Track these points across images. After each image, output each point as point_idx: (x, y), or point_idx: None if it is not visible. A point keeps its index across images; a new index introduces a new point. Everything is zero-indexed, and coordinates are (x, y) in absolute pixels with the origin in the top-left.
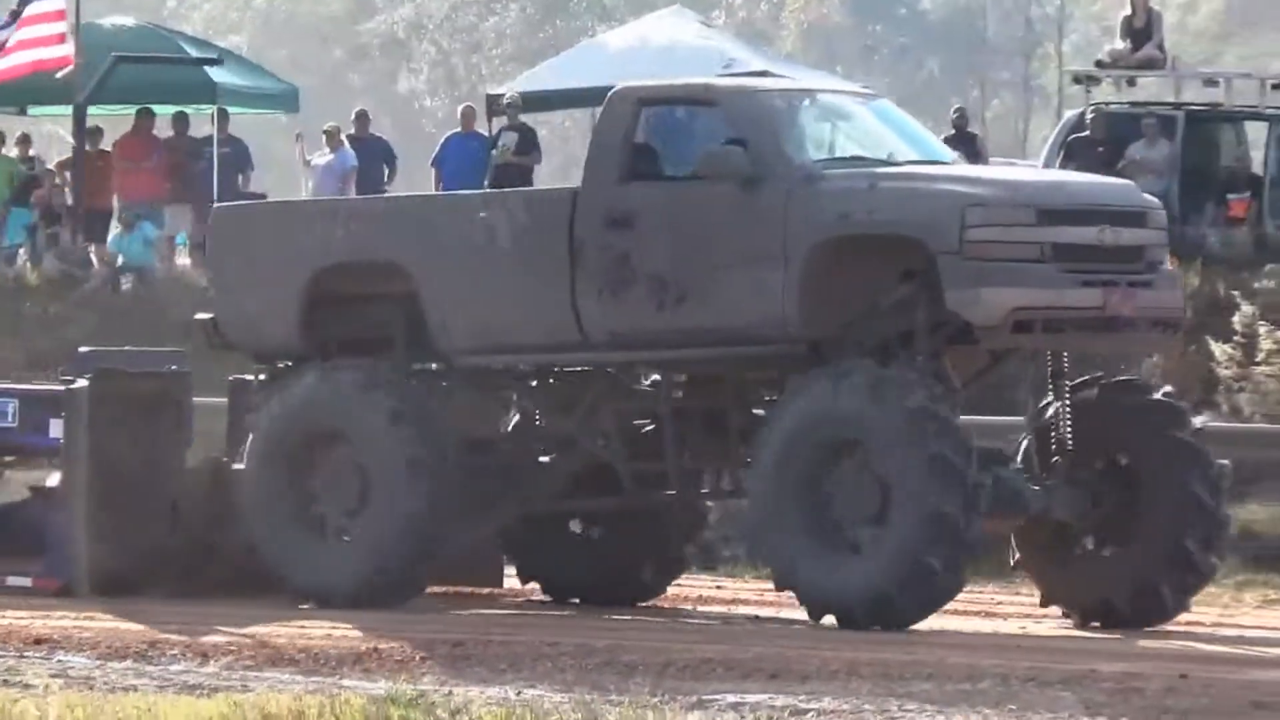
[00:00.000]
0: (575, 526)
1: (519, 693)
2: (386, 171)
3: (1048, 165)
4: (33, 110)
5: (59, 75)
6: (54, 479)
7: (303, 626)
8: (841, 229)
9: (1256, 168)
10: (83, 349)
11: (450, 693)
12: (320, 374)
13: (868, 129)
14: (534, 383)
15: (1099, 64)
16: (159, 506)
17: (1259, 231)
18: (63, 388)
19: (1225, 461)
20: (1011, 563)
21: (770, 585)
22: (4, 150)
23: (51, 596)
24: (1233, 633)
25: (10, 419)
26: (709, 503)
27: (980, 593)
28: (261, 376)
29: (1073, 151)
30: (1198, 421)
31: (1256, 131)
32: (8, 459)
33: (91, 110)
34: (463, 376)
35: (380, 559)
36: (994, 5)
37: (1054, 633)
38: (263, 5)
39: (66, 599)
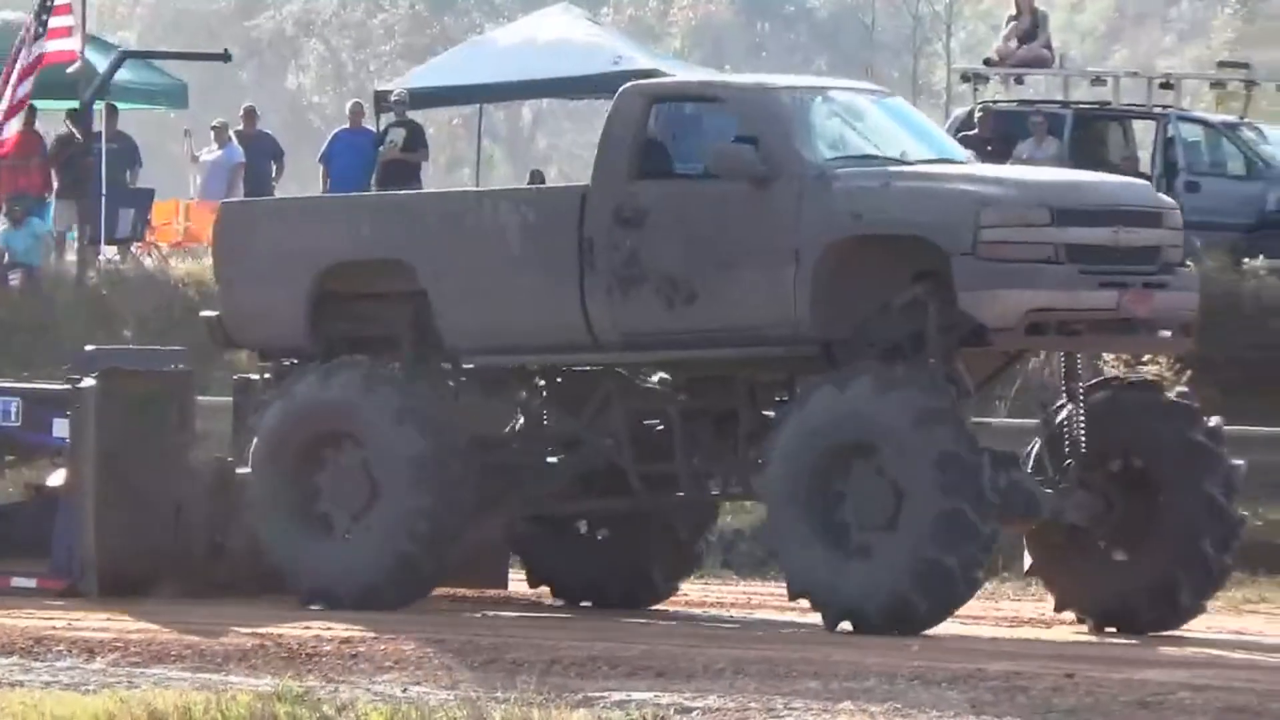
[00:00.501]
0: (582, 527)
1: (405, 690)
2: (275, 168)
3: None
4: None
5: (68, 71)
6: (55, 478)
7: (189, 624)
8: (854, 229)
9: (1144, 166)
10: (88, 347)
11: (336, 690)
12: (324, 372)
13: (880, 127)
14: (542, 382)
15: (987, 62)
16: (164, 507)
17: None
18: (67, 386)
19: (1240, 461)
20: (1025, 569)
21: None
22: None
23: (57, 597)
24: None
25: (13, 418)
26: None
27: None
28: (266, 375)
29: None
30: (1212, 422)
31: (1144, 130)
32: (8, 458)
33: None
34: (470, 376)
35: (387, 558)
36: (882, 3)
37: (941, 632)
38: (153, 1)
39: (73, 600)
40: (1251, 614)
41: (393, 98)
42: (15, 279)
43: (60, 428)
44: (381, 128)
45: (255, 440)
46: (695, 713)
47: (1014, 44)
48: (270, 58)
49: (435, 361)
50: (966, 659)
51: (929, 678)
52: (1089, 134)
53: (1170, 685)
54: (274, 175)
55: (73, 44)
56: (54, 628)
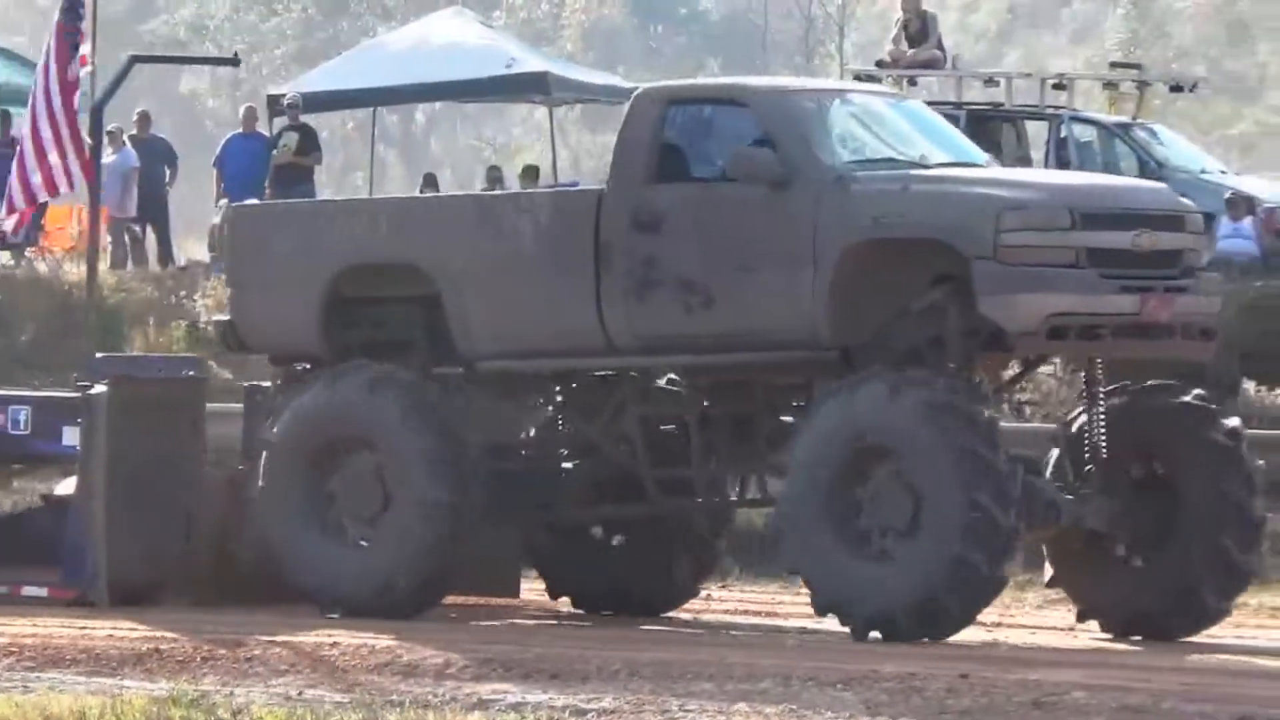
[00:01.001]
0: (596, 534)
1: (300, 693)
2: (169, 172)
3: None
4: None
5: (81, 74)
6: (64, 486)
7: (84, 627)
8: (873, 232)
9: (1037, 166)
10: (98, 354)
11: (232, 693)
12: (330, 378)
13: (899, 130)
14: (557, 387)
15: (880, 64)
16: (175, 514)
17: None
18: (77, 394)
19: (1261, 461)
20: (1046, 581)
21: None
22: None
23: (68, 606)
24: (1014, 633)
25: (23, 426)
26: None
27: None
28: (278, 381)
29: None
30: (1231, 422)
31: (1037, 131)
32: (17, 467)
33: None
34: (484, 381)
35: (405, 559)
36: (775, 5)
37: (835, 631)
38: (45, 4)
39: (83, 609)
40: None
41: (286, 102)
42: None
43: (70, 436)
44: (275, 132)
45: (266, 451)
46: (590, 715)
47: (905, 46)
48: None
49: (449, 366)
50: (862, 660)
51: (824, 679)
52: (982, 135)
53: (1064, 685)
54: (168, 180)
55: (84, 48)
56: None
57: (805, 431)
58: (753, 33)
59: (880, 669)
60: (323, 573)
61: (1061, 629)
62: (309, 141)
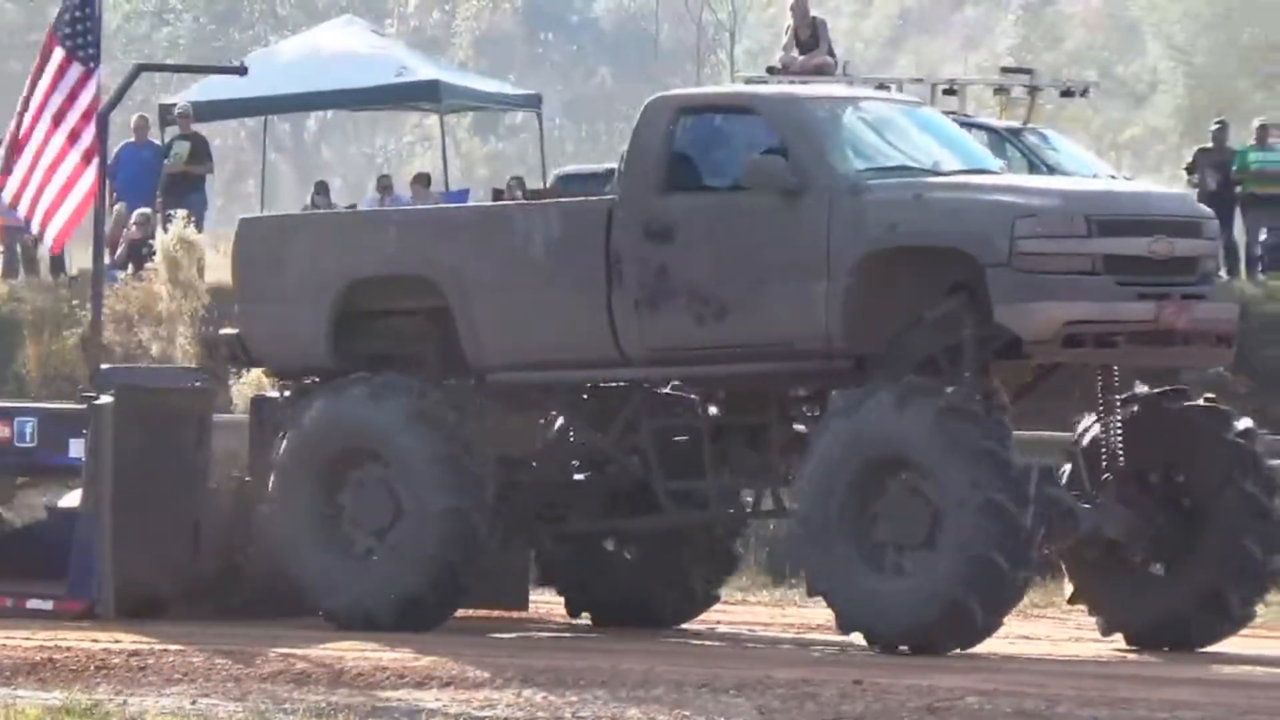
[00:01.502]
0: (609, 546)
1: (194, 702)
2: None
3: None
4: None
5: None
6: (70, 499)
7: None
8: (887, 241)
9: None
10: (104, 366)
11: (125, 702)
12: (335, 390)
13: (912, 138)
14: (568, 399)
15: (771, 70)
16: (183, 525)
17: None
18: (83, 406)
19: (1278, 462)
20: (1067, 598)
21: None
22: None
23: (75, 619)
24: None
25: (29, 438)
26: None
27: None
28: (287, 393)
29: None
30: (1245, 424)
31: None
32: (21, 479)
33: None
34: (495, 393)
35: (418, 567)
36: (666, 11)
37: (731, 635)
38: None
39: (90, 621)
40: (1039, 619)
41: (177, 111)
42: None
43: (77, 447)
44: (166, 141)
45: (275, 459)
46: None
47: (796, 53)
48: None
49: (460, 378)
50: (755, 666)
51: (717, 685)
52: None
53: (958, 690)
54: None
55: None
56: None
57: (826, 434)
58: (644, 40)
59: (774, 675)
60: (340, 587)
61: (1060, 639)
62: (200, 150)
